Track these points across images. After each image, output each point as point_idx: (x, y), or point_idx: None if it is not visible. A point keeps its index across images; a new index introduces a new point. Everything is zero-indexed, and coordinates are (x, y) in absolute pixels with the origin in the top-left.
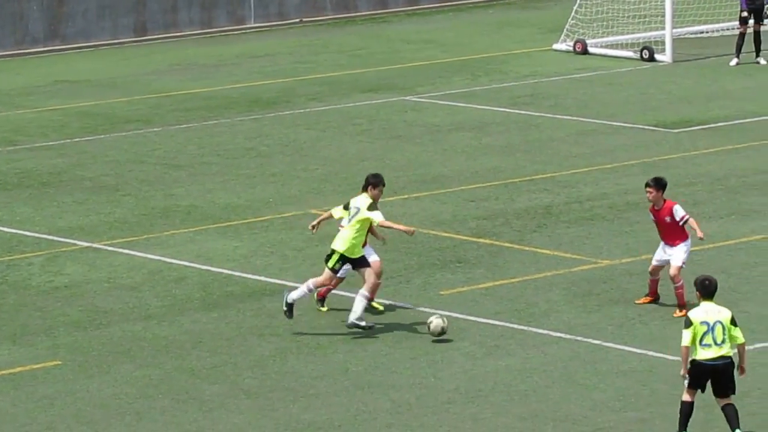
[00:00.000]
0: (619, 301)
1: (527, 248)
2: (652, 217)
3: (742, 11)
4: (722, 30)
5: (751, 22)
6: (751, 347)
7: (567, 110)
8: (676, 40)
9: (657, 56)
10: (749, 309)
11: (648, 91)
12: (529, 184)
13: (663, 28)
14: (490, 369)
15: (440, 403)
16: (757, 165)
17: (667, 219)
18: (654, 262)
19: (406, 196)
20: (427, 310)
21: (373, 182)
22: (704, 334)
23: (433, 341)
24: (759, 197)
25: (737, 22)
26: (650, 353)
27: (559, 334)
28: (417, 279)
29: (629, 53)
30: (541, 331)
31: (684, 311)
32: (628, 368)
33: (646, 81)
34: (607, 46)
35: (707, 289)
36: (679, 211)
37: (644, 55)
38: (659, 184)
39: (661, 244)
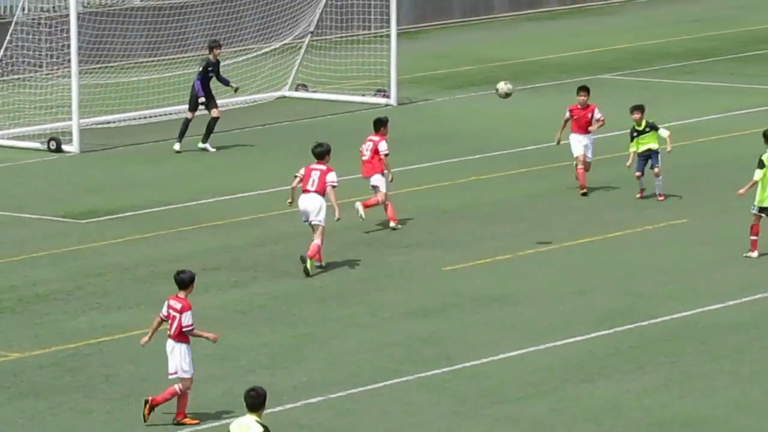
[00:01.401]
0: (30, 394)
1: None
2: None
3: (199, 97)
4: (128, 120)
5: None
6: None
7: None
8: (83, 131)
9: (64, 147)
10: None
11: (56, 182)
12: None
13: (70, 119)
14: None
15: None
16: (164, 254)
17: None
18: None
19: None
20: None
21: None
22: None
23: None
24: (168, 286)
25: (145, 111)
26: None
27: None
28: None
29: (36, 144)
30: None
31: None
32: None
33: (54, 172)
34: (13, 138)
35: (251, 401)
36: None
37: (51, 146)
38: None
39: None
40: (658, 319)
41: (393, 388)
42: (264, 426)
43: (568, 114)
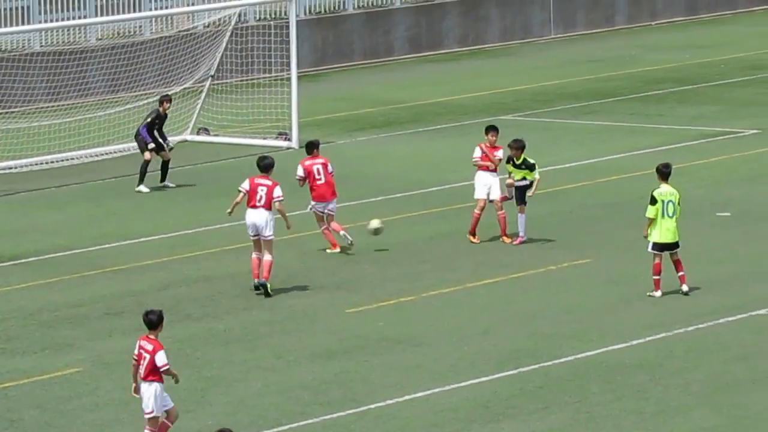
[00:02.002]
0: None
1: None
2: None
3: (148, 143)
4: (30, 165)
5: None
6: None
7: None
8: None
9: None
10: None
11: None
12: None
13: None
14: None
15: None
16: (68, 298)
17: None
18: None
19: None
20: None
21: None
22: None
23: None
24: (71, 330)
25: (47, 156)
26: None
27: None
28: None
29: None
30: None
31: None
32: None
33: None
34: None
35: None
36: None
37: None
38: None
39: None
40: (563, 359)
41: (299, 430)
42: None
43: (480, 152)
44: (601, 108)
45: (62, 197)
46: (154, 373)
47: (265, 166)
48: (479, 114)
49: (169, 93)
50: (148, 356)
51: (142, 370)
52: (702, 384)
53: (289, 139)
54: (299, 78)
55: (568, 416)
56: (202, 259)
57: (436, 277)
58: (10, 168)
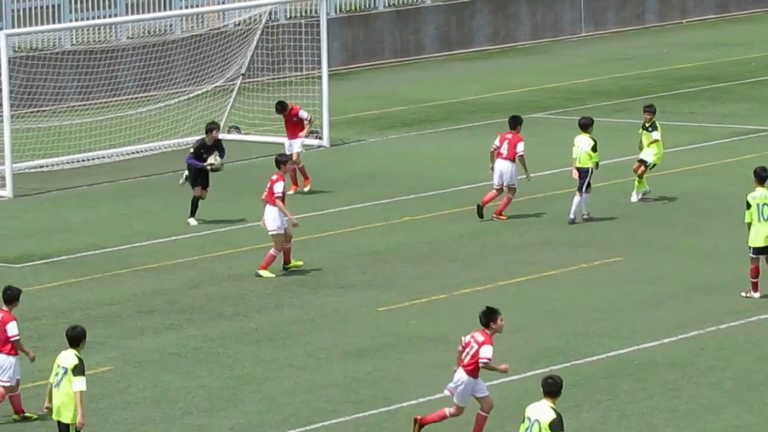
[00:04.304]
0: None
1: None
2: None
3: (196, 167)
4: (61, 164)
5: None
6: None
7: None
8: (16, 175)
9: None
10: None
11: None
12: None
13: (3, 164)
14: None
15: None
16: (99, 297)
17: None
18: None
19: None
20: None
21: None
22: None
23: None
24: (103, 329)
25: (78, 155)
26: None
27: None
28: None
29: None
30: None
31: None
32: None
33: None
34: None
35: (549, 388)
36: None
37: None
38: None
39: None
40: (594, 357)
41: (330, 428)
42: (558, 413)
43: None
44: (633, 106)
45: (93, 196)
46: (476, 365)
47: (276, 162)
48: (510, 112)
49: (216, 121)
50: (476, 347)
51: (465, 361)
52: (734, 382)
53: (320, 138)
54: (330, 76)
55: (600, 414)
56: (233, 258)
57: (468, 276)
58: (41, 167)
